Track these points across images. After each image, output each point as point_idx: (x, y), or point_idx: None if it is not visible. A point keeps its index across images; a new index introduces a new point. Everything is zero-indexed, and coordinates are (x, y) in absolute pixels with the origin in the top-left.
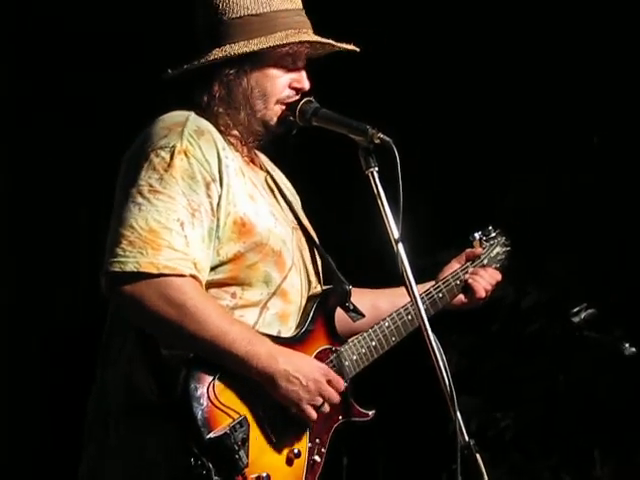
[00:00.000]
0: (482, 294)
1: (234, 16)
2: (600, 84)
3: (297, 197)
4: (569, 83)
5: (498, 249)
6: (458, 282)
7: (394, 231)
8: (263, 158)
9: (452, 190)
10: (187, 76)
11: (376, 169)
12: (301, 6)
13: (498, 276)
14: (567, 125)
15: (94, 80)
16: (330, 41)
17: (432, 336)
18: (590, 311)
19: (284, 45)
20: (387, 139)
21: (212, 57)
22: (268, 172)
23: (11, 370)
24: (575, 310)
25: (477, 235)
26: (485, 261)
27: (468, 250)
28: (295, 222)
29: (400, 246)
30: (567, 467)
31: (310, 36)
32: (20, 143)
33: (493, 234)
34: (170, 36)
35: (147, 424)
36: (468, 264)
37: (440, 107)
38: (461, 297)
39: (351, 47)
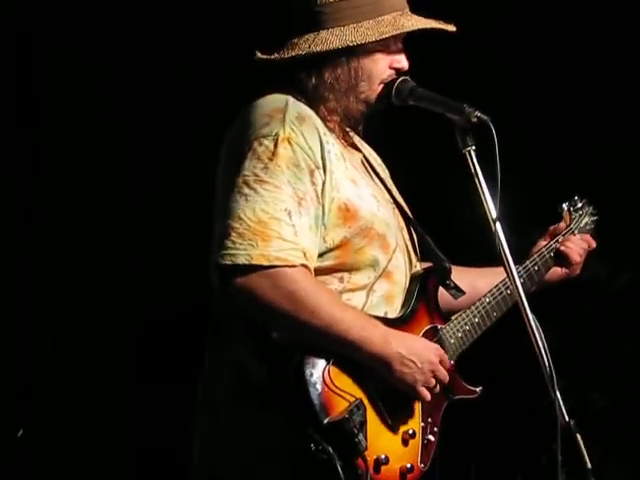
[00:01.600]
0: (577, 258)
1: None
2: None
3: (387, 171)
4: None
5: (587, 219)
6: (552, 254)
7: (492, 210)
8: (354, 137)
9: (545, 173)
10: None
11: (473, 148)
12: None
13: (591, 241)
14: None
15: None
16: (441, 25)
17: (530, 314)
18: None
19: (413, 31)
20: (485, 118)
21: (328, 44)
22: (362, 152)
23: (103, 356)
24: None
25: (565, 206)
26: (576, 232)
27: (551, 227)
28: (391, 200)
29: (498, 225)
30: None
31: (423, 22)
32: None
33: (580, 204)
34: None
35: (258, 409)
36: (559, 237)
37: (533, 91)
38: (557, 270)
39: (453, 28)
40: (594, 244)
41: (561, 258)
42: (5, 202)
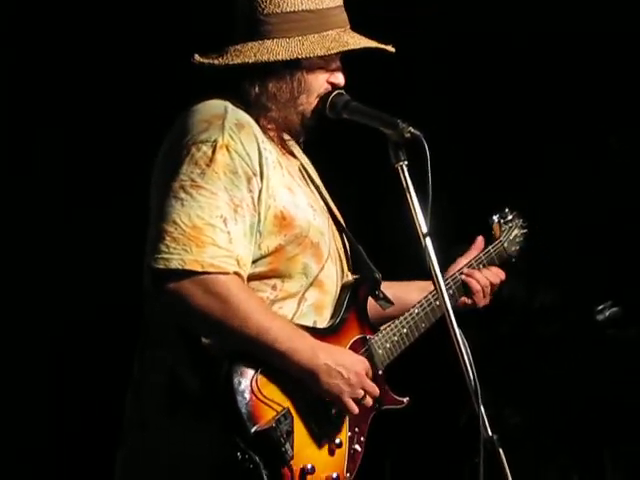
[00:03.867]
0: (480, 293)
1: (288, 10)
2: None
3: (320, 180)
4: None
5: (516, 231)
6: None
7: (422, 225)
8: (292, 145)
9: (470, 188)
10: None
11: (405, 163)
12: (342, 2)
13: (500, 273)
14: (585, 124)
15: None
16: (385, 46)
17: (457, 328)
18: (615, 309)
19: (351, 50)
20: (417, 133)
21: (274, 54)
22: (300, 160)
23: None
24: (600, 308)
25: (495, 218)
26: (505, 244)
27: (476, 242)
28: (326, 209)
29: (428, 240)
30: (576, 467)
31: (365, 41)
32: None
33: (510, 216)
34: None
35: (188, 417)
36: (481, 255)
37: (458, 106)
38: (463, 299)
39: (391, 48)
40: (503, 276)
41: (466, 289)
42: None
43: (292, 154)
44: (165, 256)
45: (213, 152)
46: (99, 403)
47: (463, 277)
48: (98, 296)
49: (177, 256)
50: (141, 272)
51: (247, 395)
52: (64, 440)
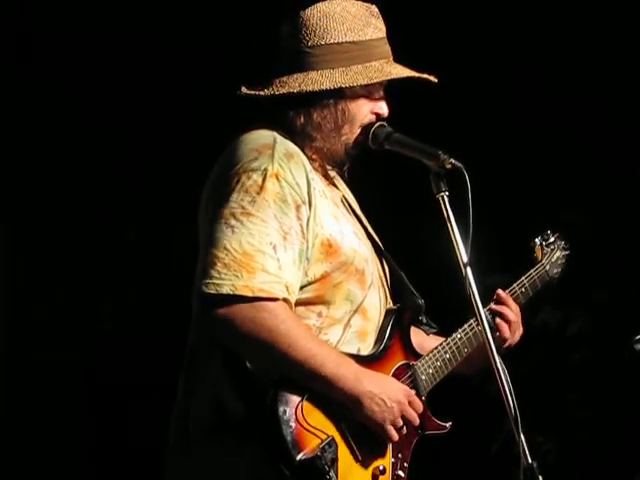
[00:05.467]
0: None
1: (332, 41)
2: None
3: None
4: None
5: (558, 253)
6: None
7: (463, 254)
8: (333, 175)
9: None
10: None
11: (447, 193)
12: (385, 34)
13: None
14: (613, 157)
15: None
16: (426, 75)
17: (497, 356)
18: None
19: (395, 80)
20: (459, 165)
21: (319, 84)
22: (341, 190)
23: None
24: (637, 338)
25: (537, 241)
26: (547, 267)
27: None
28: (368, 237)
29: (469, 269)
30: None
31: (408, 71)
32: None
33: (552, 239)
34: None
35: (234, 443)
36: (524, 278)
37: (494, 142)
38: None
39: (435, 79)
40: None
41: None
42: None
43: (334, 184)
44: (216, 281)
45: (263, 180)
46: (139, 431)
47: (494, 307)
48: (144, 321)
49: (228, 282)
50: (186, 299)
51: (292, 423)
52: (102, 471)
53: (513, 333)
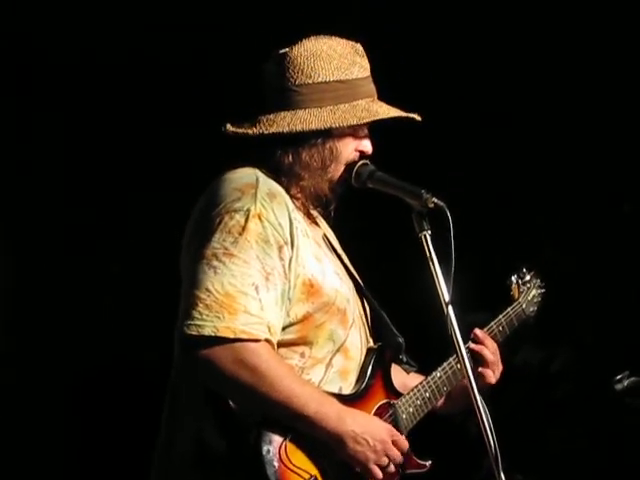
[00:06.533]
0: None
1: (320, 80)
2: (629, 150)
3: (340, 247)
4: (598, 152)
5: (534, 291)
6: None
7: (445, 293)
8: (315, 214)
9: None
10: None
11: (429, 232)
12: (369, 72)
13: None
14: (597, 192)
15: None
16: (409, 114)
17: (478, 395)
18: (633, 379)
19: (380, 119)
20: (441, 204)
21: (307, 124)
22: (322, 229)
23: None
24: (618, 377)
25: (514, 279)
26: (524, 305)
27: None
28: (348, 276)
29: (450, 308)
30: None
31: (394, 111)
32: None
33: (528, 277)
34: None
35: (216, 478)
36: (501, 317)
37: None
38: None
39: (418, 117)
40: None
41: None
42: None
43: (316, 223)
44: (198, 322)
45: (246, 221)
46: (123, 467)
47: (473, 346)
48: (124, 360)
49: (210, 323)
50: (168, 334)
51: (276, 463)
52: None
53: (492, 371)
